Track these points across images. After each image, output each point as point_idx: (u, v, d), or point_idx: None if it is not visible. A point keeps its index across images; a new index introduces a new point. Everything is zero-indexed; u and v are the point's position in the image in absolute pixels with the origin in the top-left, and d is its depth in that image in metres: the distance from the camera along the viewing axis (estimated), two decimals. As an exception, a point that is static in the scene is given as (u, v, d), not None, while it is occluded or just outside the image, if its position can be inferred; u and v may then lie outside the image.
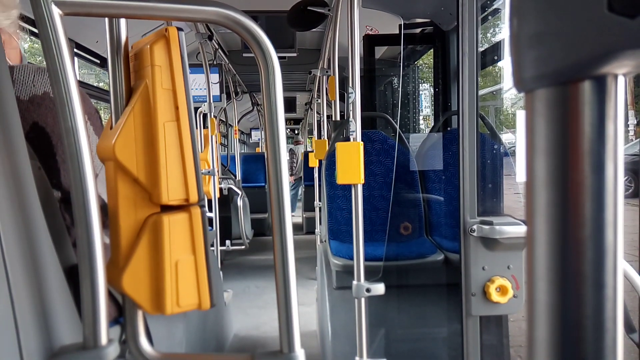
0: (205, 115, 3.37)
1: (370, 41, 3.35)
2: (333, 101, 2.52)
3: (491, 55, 2.51)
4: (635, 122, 14.32)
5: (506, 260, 1.44)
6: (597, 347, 0.24)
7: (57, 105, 0.61)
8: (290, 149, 8.44)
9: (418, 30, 3.08)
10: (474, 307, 1.44)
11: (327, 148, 2.83)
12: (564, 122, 0.24)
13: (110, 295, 0.91)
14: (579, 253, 0.24)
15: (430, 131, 2.82)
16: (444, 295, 2.14)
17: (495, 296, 1.42)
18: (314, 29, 2.82)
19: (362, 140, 1.52)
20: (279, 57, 0.69)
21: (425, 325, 2.13)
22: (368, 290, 1.47)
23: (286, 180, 0.71)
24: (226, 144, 7.84)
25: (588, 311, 0.24)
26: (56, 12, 0.60)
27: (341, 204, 2.46)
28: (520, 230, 1.38)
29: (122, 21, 0.71)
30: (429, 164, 2.54)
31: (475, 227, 1.42)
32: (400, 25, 2.86)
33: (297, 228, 6.79)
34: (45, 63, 0.62)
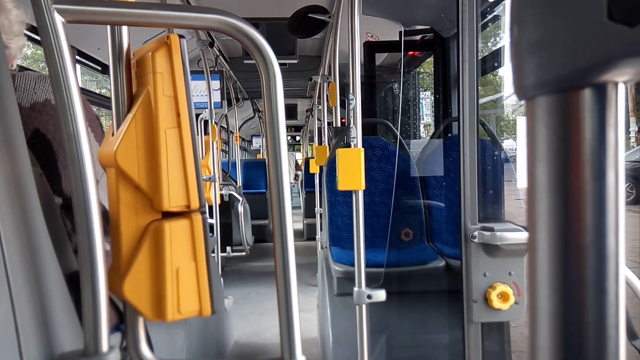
0: (206, 122, 3.37)
1: (371, 48, 3.36)
2: (334, 108, 2.52)
3: (491, 62, 2.51)
4: (637, 129, 14.33)
5: (507, 266, 1.44)
6: (599, 354, 0.24)
7: (59, 111, 0.61)
8: None
9: (418, 37, 3.09)
10: (476, 314, 1.43)
11: (327, 154, 2.83)
12: (564, 129, 0.24)
13: (111, 302, 0.91)
14: (581, 260, 0.24)
15: (431, 137, 2.83)
16: (445, 301, 2.13)
17: (496, 303, 1.41)
18: (314, 36, 2.83)
19: (362, 146, 1.52)
20: (280, 64, 0.70)
21: (426, 331, 2.12)
22: (369, 296, 1.47)
23: (287, 186, 0.71)
24: (227, 150, 7.85)
25: (590, 318, 0.24)
26: (59, 19, 0.60)
27: (342, 210, 2.46)
28: (522, 236, 1.38)
29: (124, 28, 0.72)
30: (430, 170, 2.54)
31: (476, 233, 1.42)
32: (400, 32, 2.87)
33: (297, 234, 6.78)
34: (47, 70, 0.62)
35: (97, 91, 3.78)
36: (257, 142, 12.84)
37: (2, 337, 0.58)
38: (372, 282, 1.66)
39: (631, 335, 1.29)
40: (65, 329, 0.70)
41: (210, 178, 3.20)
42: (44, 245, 0.69)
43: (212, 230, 3.36)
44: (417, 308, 2.15)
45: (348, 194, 2.22)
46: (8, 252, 0.60)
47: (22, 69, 2.16)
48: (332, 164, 2.42)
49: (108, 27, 0.71)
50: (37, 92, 0.92)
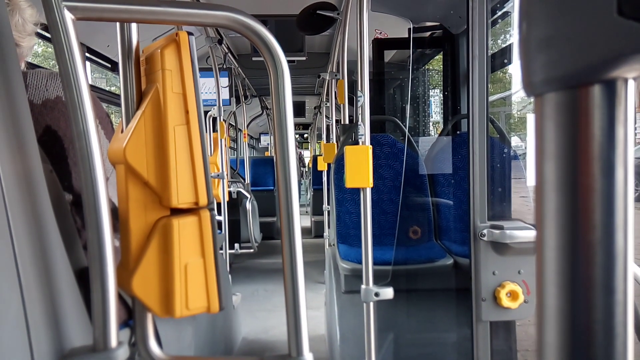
0: (214, 119, 3.39)
1: (380, 45, 3.34)
2: (342, 105, 2.52)
3: (500, 59, 2.50)
4: (647, 126, 14.16)
5: (517, 265, 1.43)
6: (607, 352, 0.24)
7: (69, 109, 0.62)
8: None
9: (427, 34, 3.08)
10: (484, 312, 1.43)
11: (335, 152, 2.83)
12: (573, 126, 0.24)
13: (120, 298, 0.91)
14: (589, 257, 0.24)
15: (439, 134, 2.82)
16: (453, 299, 2.13)
17: (505, 301, 1.41)
18: (323, 33, 2.82)
19: (371, 144, 1.52)
20: (288, 61, 0.70)
21: (434, 329, 2.12)
22: (377, 294, 1.46)
23: (295, 183, 0.71)
24: (235, 147, 7.87)
25: (598, 316, 0.24)
26: (68, 16, 0.61)
27: (350, 208, 2.46)
28: (531, 234, 1.37)
29: (133, 26, 0.72)
30: (438, 168, 2.53)
31: (485, 231, 1.41)
32: (409, 29, 2.86)
33: (305, 232, 6.79)
34: (57, 67, 0.63)
35: (107, 88, 3.80)
36: (265, 140, 12.87)
37: (13, 332, 0.59)
38: (380, 279, 1.66)
39: None
40: (75, 325, 0.70)
41: (218, 175, 3.21)
42: (54, 241, 0.69)
43: (220, 227, 3.37)
44: (424, 306, 2.15)
45: (356, 192, 2.22)
46: (19, 248, 0.61)
47: (32, 66, 2.18)
48: (340, 162, 2.42)
49: (117, 24, 0.71)
50: (48, 89, 0.93)
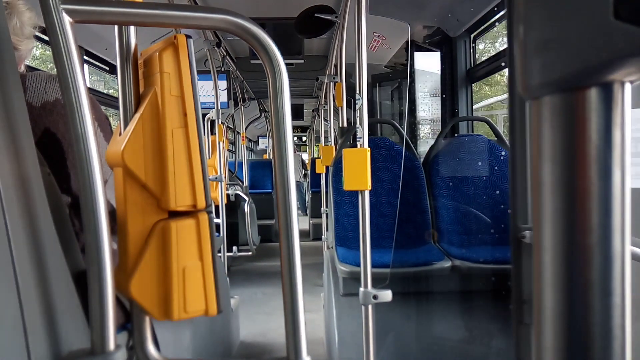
0: (213, 122, 3.39)
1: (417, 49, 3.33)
2: (340, 108, 2.52)
3: (499, 61, 2.50)
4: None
5: None
6: (605, 354, 0.24)
7: (67, 111, 0.62)
8: None
9: (426, 38, 3.09)
10: (526, 315, 1.40)
11: (334, 154, 2.83)
12: (570, 129, 0.24)
13: (118, 301, 0.91)
14: (587, 260, 0.24)
15: (438, 137, 2.82)
16: (451, 302, 2.13)
17: None
18: (321, 36, 2.83)
19: (369, 146, 1.52)
20: (286, 64, 0.70)
21: (432, 332, 2.12)
22: (375, 297, 1.46)
23: (293, 186, 0.71)
24: (234, 150, 7.86)
25: (596, 318, 0.24)
26: (67, 19, 0.61)
27: (348, 211, 2.46)
28: None
29: (132, 28, 0.72)
30: (437, 170, 2.53)
31: (525, 233, 1.38)
32: (408, 33, 2.87)
33: (303, 234, 6.78)
34: (55, 70, 0.63)
35: (105, 91, 3.80)
36: (263, 143, 12.87)
37: (10, 335, 0.59)
38: (378, 282, 1.65)
39: None
40: (73, 328, 0.70)
41: (216, 178, 3.21)
42: (51, 244, 0.69)
43: (218, 230, 3.37)
44: (423, 308, 2.15)
45: (354, 194, 2.22)
46: (16, 251, 0.61)
47: (31, 69, 2.17)
48: (338, 164, 2.42)
49: (116, 27, 0.71)
50: (47, 92, 0.93)
